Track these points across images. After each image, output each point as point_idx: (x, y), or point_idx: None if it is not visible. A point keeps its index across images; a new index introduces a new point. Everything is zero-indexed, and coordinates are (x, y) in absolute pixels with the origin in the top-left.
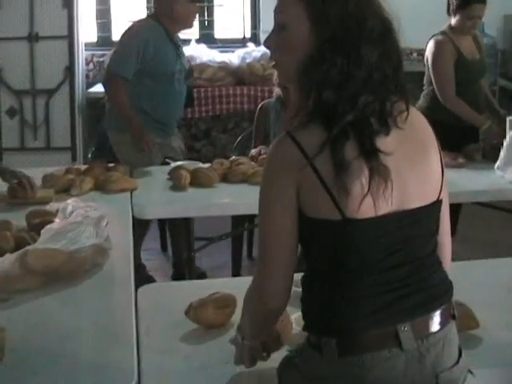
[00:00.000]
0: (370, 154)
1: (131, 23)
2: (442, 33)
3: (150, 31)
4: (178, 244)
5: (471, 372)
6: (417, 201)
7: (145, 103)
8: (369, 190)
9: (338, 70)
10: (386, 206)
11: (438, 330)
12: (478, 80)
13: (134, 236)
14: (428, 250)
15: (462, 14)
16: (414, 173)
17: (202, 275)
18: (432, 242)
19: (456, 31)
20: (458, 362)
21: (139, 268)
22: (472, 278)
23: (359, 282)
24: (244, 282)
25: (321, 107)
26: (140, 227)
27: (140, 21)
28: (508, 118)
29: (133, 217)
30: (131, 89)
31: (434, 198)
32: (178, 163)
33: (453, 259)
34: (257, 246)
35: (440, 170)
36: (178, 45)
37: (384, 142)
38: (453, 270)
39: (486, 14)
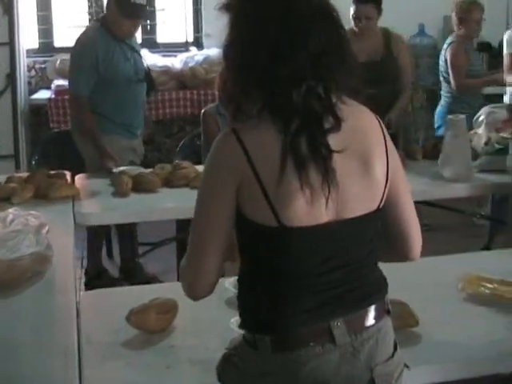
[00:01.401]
0: (323, 153)
1: (81, 32)
2: None
3: (97, 41)
4: (125, 249)
5: (407, 366)
6: (355, 211)
7: (106, 109)
8: (312, 198)
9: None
10: (324, 216)
11: (372, 325)
12: (374, 81)
13: (92, 244)
14: (363, 254)
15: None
16: (355, 182)
17: (152, 279)
18: (368, 246)
19: (356, 32)
20: (392, 355)
21: (102, 274)
22: (419, 276)
23: (294, 283)
24: None
25: (266, 105)
26: (97, 234)
27: (86, 30)
28: (447, 117)
29: (75, 223)
30: (92, 97)
31: (374, 207)
32: (121, 168)
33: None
34: None
35: (384, 177)
36: (130, 46)
37: (332, 142)
38: (400, 268)
39: (426, 15)
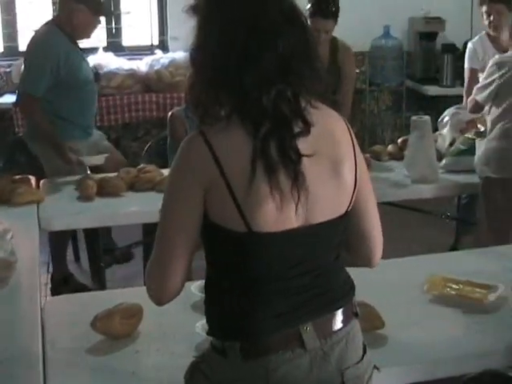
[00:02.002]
0: (292, 157)
1: (34, 33)
2: None
3: (57, 43)
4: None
5: (377, 368)
6: (324, 215)
7: (64, 111)
8: (281, 203)
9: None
10: (293, 221)
11: (341, 328)
12: None
13: (55, 249)
14: (331, 258)
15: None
16: (324, 187)
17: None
18: (335, 250)
19: None
20: (362, 358)
21: (69, 279)
22: (385, 278)
23: (262, 288)
24: None
25: (235, 109)
26: (60, 238)
27: (42, 30)
28: (412, 118)
29: (40, 229)
30: (48, 100)
31: (342, 212)
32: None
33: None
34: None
35: (352, 181)
36: (80, 48)
37: (302, 146)
38: (366, 270)
39: (392, 17)
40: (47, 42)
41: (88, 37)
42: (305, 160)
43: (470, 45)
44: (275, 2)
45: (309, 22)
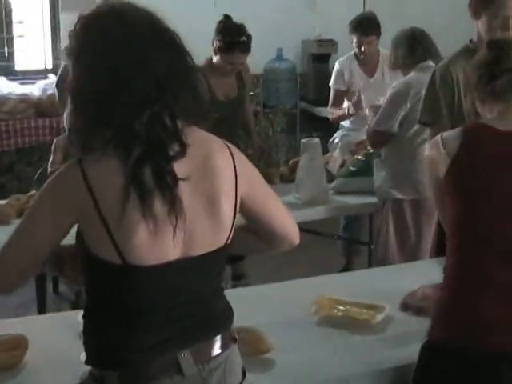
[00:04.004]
0: (168, 181)
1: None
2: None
3: None
4: None
5: None
6: (203, 248)
7: None
8: (156, 232)
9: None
10: (170, 253)
11: (219, 354)
12: (231, 119)
13: None
14: (210, 288)
15: (223, 58)
16: (201, 217)
17: None
18: (215, 280)
19: (217, 70)
20: (241, 383)
21: None
22: (273, 301)
23: (140, 319)
24: (35, 322)
25: (111, 138)
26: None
27: None
28: (301, 141)
29: None
30: None
31: (221, 244)
32: None
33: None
34: (62, 282)
35: (232, 211)
36: None
37: (179, 170)
38: (254, 294)
39: (285, 40)
40: None
41: None
42: (181, 186)
43: (337, 65)
44: (144, 29)
45: (219, 56)
